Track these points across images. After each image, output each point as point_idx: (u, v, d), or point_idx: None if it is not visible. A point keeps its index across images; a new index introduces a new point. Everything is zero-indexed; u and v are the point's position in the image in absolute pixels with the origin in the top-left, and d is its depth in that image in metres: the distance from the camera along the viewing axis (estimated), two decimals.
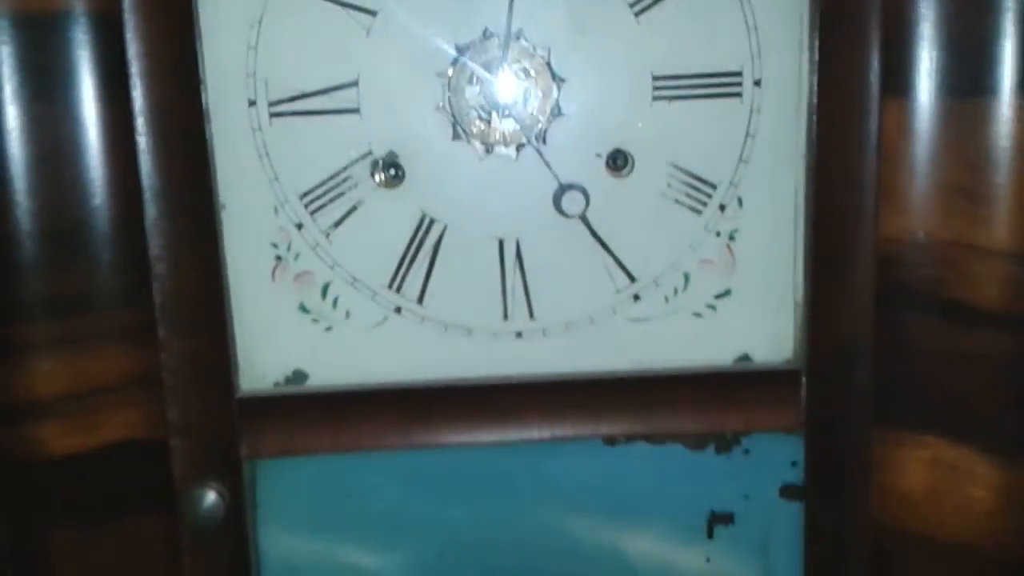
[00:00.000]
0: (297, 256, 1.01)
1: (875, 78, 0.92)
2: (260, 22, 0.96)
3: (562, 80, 0.98)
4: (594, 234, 1.01)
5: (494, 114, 0.98)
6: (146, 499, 1.00)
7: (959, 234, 0.94)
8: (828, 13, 0.93)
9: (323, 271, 1.02)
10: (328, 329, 1.03)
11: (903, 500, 1.00)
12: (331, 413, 1.02)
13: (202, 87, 0.94)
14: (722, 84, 0.98)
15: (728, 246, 1.02)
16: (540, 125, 0.99)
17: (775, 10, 0.97)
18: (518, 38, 0.97)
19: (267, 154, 0.98)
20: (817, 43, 0.94)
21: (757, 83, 0.98)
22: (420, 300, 1.02)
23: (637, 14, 0.97)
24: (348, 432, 1.01)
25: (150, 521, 1.00)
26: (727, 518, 1.05)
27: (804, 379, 1.01)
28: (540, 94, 0.98)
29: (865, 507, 1.01)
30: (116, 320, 0.96)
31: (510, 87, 0.98)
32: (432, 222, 1.00)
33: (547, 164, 0.99)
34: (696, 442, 1.04)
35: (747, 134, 0.99)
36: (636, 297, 1.03)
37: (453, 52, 0.97)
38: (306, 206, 1.00)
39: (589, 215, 1.00)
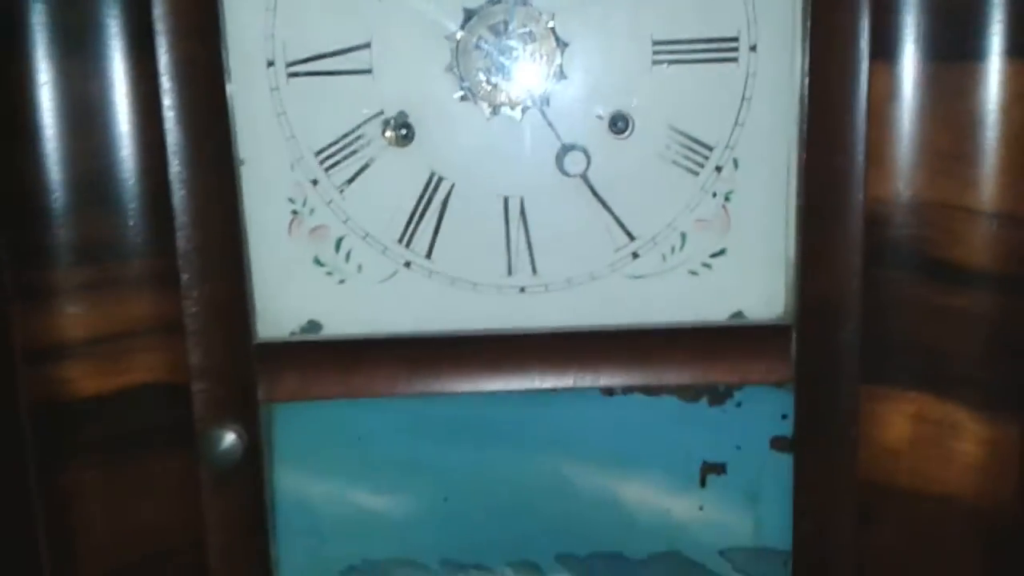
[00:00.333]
0: (312, 211, 1.05)
1: (864, 43, 0.95)
2: None
3: (566, 44, 1.02)
4: (595, 193, 1.05)
5: (500, 76, 1.03)
6: (168, 439, 1.04)
7: (946, 195, 0.96)
8: None
9: (337, 226, 1.06)
10: (341, 282, 1.07)
11: (889, 453, 1.03)
12: (344, 360, 1.06)
13: (223, 47, 0.99)
14: (719, 49, 1.01)
15: (724, 206, 1.05)
16: (544, 87, 1.03)
17: None
18: (525, 3, 1.01)
19: (284, 112, 1.03)
20: (810, 9, 0.97)
21: (753, 48, 1.01)
22: (429, 255, 1.06)
23: None
24: (359, 379, 1.06)
25: (171, 460, 1.04)
26: (719, 468, 1.09)
27: (794, 335, 1.04)
28: (544, 57, 1.02)
29: (852, 459, 1.03)
30: (141, 268, 1.00)
31: (516, 50, 1.02)
32: (440, 180, 1.05)
33: (550, 125, 1.03)
34: (690, 394, 1.07)
35: (743, 98, 1.02)
36: (635, 255, 1.07)
37: (462, 15, 1.01)
38: (321, 163, 1.04)
39: (590, 175, 1.04)
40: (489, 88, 1.02)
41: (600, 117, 1.03)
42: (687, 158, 1.04)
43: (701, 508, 1.10)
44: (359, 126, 1.03)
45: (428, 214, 1.06)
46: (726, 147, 1.04)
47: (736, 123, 1.03)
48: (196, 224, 1.00)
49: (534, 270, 1.07)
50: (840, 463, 1.04)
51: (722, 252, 1.07)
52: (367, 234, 1.06)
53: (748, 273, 1.07)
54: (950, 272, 0.98)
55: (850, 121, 0.97)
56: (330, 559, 1.11)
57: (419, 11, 1.01)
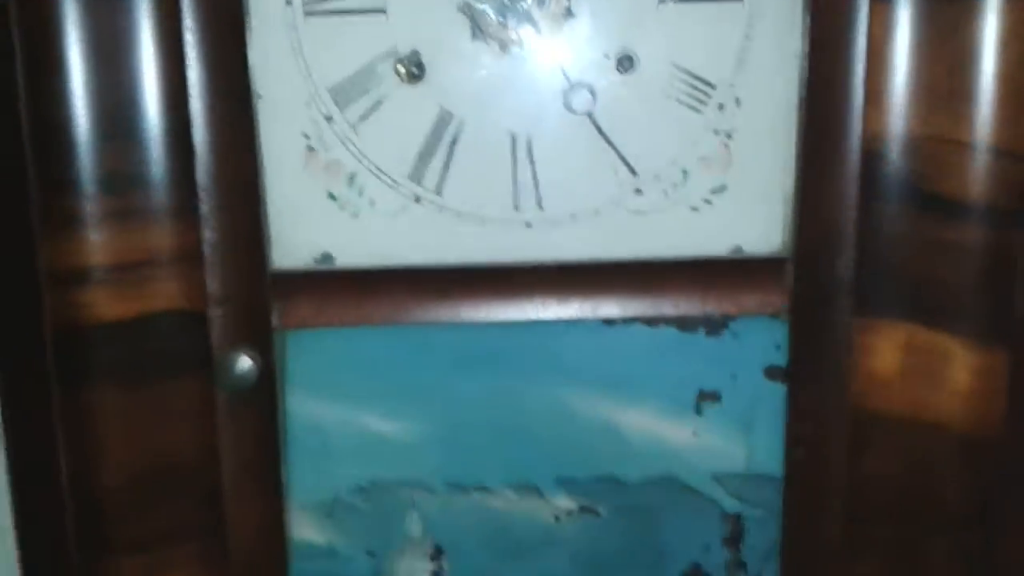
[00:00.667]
0: (327, 147, 1.08)
1: None
2: None
3: None
4: (600, 131, 1.08)
5: (510, 15, 1.05)
6: (185, 364, 1.07)
7: (940, 130, 1.00)
8: None
9: (350, 162, 1.08)
10: (354, 216, 1.10)
11: (880, 382, 1.07)
12: (356, 289, 1.09)
13: None
14: None
15: (725, 144, 1.08)
16: (552, 26, 1.05)
17: None
18: None
19: (300, 50, 1.05)
20: None
21: None
22: (438, 191, 1.09)
23: None
24: (370, 307, 1.09)
25: (189, 384, 1.08)
26: (714, 396, 1.12)
27: (790, 267, 1.07)
28: None
29: (844, 388, 1.08)
30: (163, 198, 1.03)
31: None
32: (450, 117, 1.08)
33: (558, 64, 1.07)
34: (688, 324, 1.11)
35: (746, 37, 1.05)
36: (638, 191, 1.10)
37: None
38: (335, 100, 1.07)
39: (596, 113, 1.07)
40: (499, 27, 1.05)
41: (607, 56, 1.06)
42: (690, 96, 1.07)
43: (696, 434, 1.13)
44: (372, 64, 1.06)
45: (438, 151, 1.08)
46: (729, 85, 1.07)
47: (739, 62, 1.06)
48: (215, 157, 1.04)
49: (540, 205, 1.10)
50: (833, 392, 1.08)
51: (723, 189, 1.09)
52: (379, 170, 1.09)
53: (748, 209, 1.09)
54: (943, 205, 1.02)
55: (849, 59, 1.00)
56: (339, 480, 1.15)
57: None
